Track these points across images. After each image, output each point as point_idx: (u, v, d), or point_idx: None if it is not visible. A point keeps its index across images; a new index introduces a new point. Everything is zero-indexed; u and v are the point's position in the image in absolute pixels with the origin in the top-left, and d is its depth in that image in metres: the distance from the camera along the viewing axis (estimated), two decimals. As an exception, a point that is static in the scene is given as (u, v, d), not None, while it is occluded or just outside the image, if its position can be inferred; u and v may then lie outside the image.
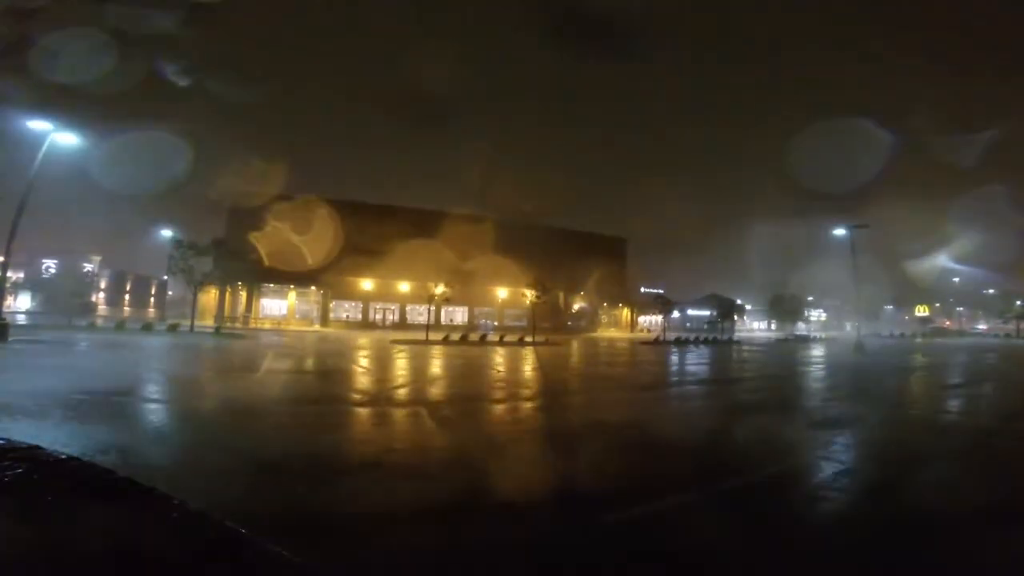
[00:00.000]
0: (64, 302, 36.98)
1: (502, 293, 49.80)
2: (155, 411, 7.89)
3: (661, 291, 65.04)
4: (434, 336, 27.70)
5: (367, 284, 49.94)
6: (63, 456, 0.73)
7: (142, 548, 0.57)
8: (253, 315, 45.99)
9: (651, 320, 63.18)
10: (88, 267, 61.24)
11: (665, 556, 3.17)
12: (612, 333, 58.08)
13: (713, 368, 18.96)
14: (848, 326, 69.11)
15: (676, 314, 62.80)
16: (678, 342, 35.83)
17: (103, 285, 68.53)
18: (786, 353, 27.41)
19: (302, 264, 44.63)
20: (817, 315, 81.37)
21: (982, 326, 73.57)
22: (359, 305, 51.14)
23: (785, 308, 51.44)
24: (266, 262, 42.51)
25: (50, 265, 56.31)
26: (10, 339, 17.37)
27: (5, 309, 20.62)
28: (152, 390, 10.26)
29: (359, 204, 49.15)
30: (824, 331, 67.95)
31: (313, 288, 48.23)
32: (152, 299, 75.77)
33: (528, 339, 29.82)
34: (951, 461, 5.74)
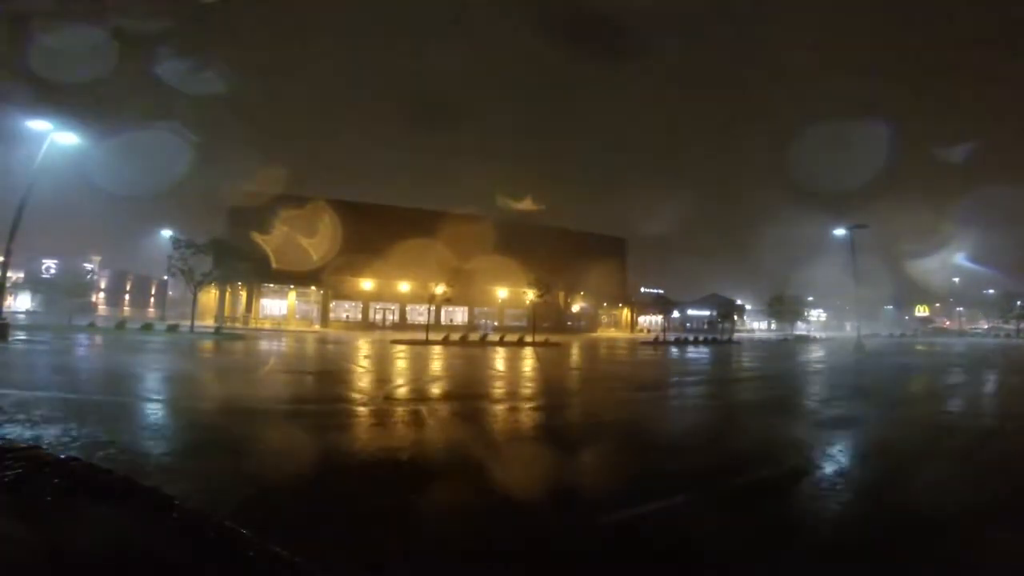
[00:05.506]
0: (64, 302, 36.95)
1: (502, 293, 49.78)
2: (154, 411, 7.87)
3: (661, 291, 65.17)
4: (434, 336, 27.69)
5: (367, 284, 49.94)
6: (63, 456, 0.74)
7: (142, 548, 0.57)
8: (253, 315, 45.97)
9: (651, 320, 63.18)
10: (88, 267, 61.18)
11: (665, 556, 3.17)
12: (612, 333, 58.08)
13: (713, 368, 18.96)
14: (848, 326, 69.13)
15: (676, 314, 62.82)
16: (678, 342, 35.85)
17: (103, 285, 68.51)
18: (787, 353, 27.40)
19: (302, 264, 44.62)
20: (817, 315, 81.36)
21: (984, 325, 73.50)
22: (359, 305, 51.13)
23: (785, 308, 51.40)
24: (266, 262, 42.49)
25: (50, 265, 56.23)
26: (10, 339, 17.38)
27: (5, 309, 20.61)
28: (152, 390, 10.25)
29: (359, 204, 49.13)
30: (824, 331, 67.96)
31: (313, 288, 48.21)
32: (152, 299, 75.76)
33: (528, 339, 29.80)
34: (950, 459, 5.73)
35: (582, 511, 3.76)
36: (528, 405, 9.38)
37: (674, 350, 29.21)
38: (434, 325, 33.99)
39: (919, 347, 35.79)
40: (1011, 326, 56.06)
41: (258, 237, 43.15)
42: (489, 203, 64.78)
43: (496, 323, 50.31)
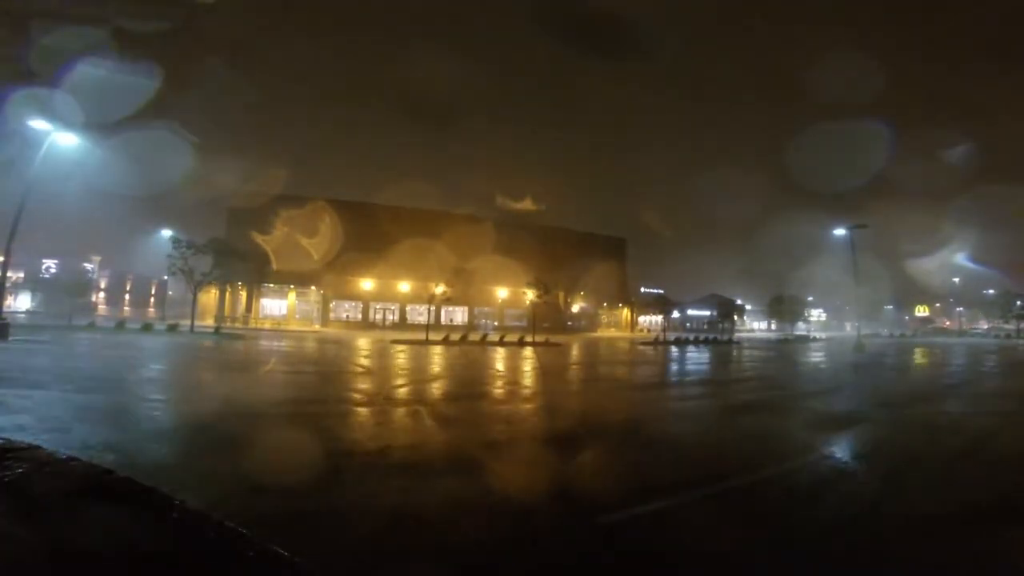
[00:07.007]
0: (64, 302, 36.99)
1: (502, 293, 49.76)
2: (150, 410, 7.87)
3: (661, 291, 65.12)
4: (434, 336, 27.68)
5: (367, 284, 49.90)
6: (63, 456, 0.74)
7: (142, 548, 0.57)
8: (253, 315, 45.95)
9: (651, 320, 63.16)
10: (88, 267, 61.20)
11: (665, 556, 3.17)
12: (612, 333, 58.06)
13: (713, 368, 18.96)
14: (848, 326, 69.14)
15: (676, 314, 62.82)
16: (678, 342, 35.83)
17: (103, 285, 68.56)
18: (787, 353, 27.39)
19: (302, 264, 44.63)
20: (817, 315, 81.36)
21: (984, 326, 73.46)
22: (359, 305, 51.09)
23: (785, 308, 51.39)
24: (266, 262, 42.49)
25: (50, 265, 56.25)
26: (10, 338, 17.40)
27: (5, 309, 20.62)
28: (150, 388, 10.25)
29: (359, 204, 49.13)
30: (824, 331, 67.96)
31: (313, 288, 48.18)
32: (152, 299, 75.77)
33: (528, 339, 29.79)
34: (949, 459, 5.73)
35: (581, 511, 3.76)
36: (527, 406, 9.39)
37: (674, 350, 29.20)
38: (434, 325, 33.99)
39: (919, 347, 35.79)
40: (1011, 326, 55.97)
41: (258, 237, 43.15)
42: (489, 203, 64.84)
43: (496, 323, 50.30)
